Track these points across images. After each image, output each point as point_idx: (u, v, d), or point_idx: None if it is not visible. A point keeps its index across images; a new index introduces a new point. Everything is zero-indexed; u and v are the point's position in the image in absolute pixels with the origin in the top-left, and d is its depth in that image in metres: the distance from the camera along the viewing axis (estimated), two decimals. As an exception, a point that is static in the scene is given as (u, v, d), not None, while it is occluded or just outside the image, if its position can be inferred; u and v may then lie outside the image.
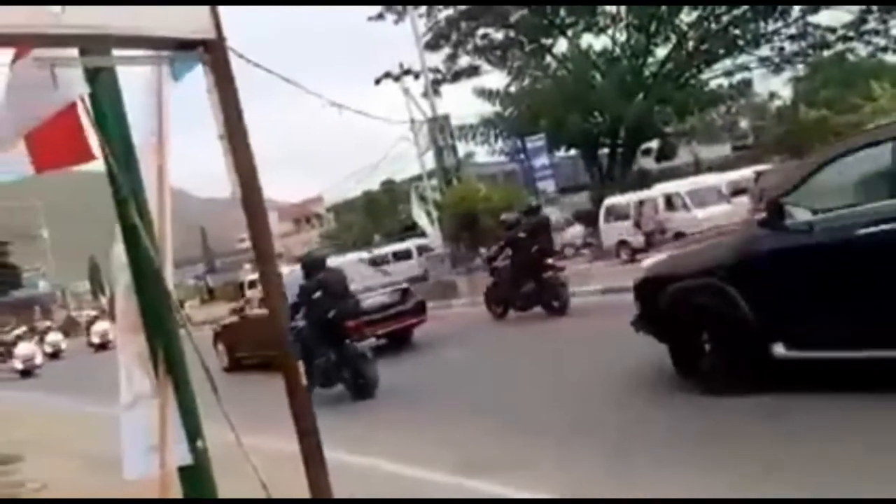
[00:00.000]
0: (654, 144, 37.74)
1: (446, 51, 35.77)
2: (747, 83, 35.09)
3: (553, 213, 25.10)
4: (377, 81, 32.94)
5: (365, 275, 14.86)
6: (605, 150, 35.28)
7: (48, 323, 51.23)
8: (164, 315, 3.59)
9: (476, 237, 22.87)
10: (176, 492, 3.63)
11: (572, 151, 36.70)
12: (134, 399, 3.57)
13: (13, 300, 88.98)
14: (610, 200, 25.90)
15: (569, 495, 4.78)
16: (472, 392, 8.91)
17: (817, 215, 5.63)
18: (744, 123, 41.65)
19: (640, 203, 23.26)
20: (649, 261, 7.70)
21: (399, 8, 32.84)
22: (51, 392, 20.46)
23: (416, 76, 32.83)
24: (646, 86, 33.03)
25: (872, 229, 5.15)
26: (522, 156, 33.87)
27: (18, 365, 28.01)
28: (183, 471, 3.60)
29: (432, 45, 34.50)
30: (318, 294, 10.37)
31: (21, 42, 3.08)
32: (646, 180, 30.43)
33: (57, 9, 2.63)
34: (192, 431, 3.57)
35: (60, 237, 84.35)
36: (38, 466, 8.71)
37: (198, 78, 3.75)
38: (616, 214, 24.69)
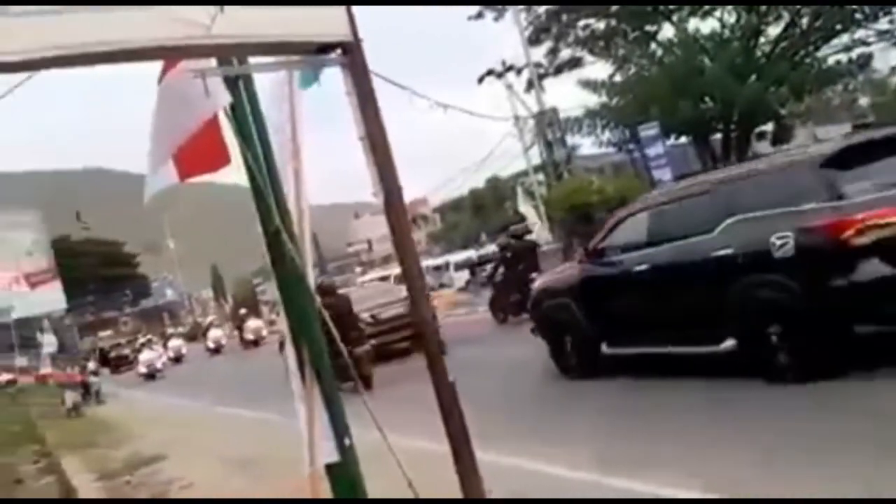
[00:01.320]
0: (769, 127, 36.12)
1: (547, 45, 35.36)
2: (866, 59, 33.07)
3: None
4: (480, 80, 32.92)
5: (385, 291, 17.82)
6: (718, 136, 34.00)
7: (171, 330, 54.56)
8: (309, 317, 3.66)
9: (591, 230, 22.33)
10: (325, 488, 3.70)
11: (682, 139, 35.56)
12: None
13: (142, 309, 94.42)
14: None
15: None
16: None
17: (623, 254, 8.31)
18: (863, 101, 39.33)
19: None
20: (535, 283, 10.74)
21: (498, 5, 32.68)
22: (174, 394, 21.76)
23: (519, 72, 32.61)
24: (758, 67, 31.56)
25: (640, 267, 7.89)
26: (632, 146, 33.05)
27: (143, 369, 31.79)
28: (331, 468, 3.66)
29: (533, 40, 34.15)
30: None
31: (170, 56, 3.20)
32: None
33: (207, 20, 2.70)
34: (340, 429, 3.62)
35: (185, 247, 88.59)
36: (182, 466, 9.13)
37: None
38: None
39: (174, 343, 41.25)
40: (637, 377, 8.14)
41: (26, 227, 33.97)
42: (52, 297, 33.44)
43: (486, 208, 51.78)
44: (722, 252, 6.91)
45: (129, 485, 8.96)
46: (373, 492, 3.79)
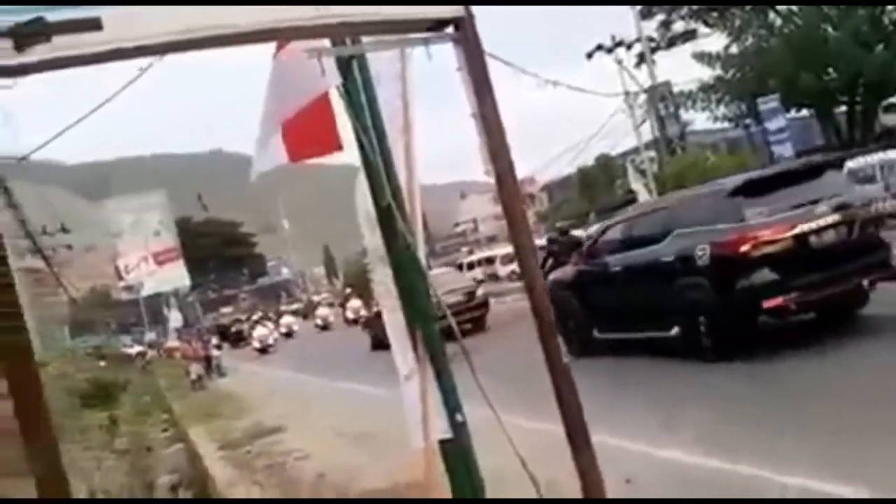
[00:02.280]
0: (896, 99, 33.84)
1: (659, 17, 34.29)
2: None
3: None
4: (589, 55, 32.25)
5: (451, 279, 21.04)
6: (842, 109, 32.14)
7: (284, 307, 57.07)
8: (420, 293, 3.69)
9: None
10: (438, 463, 3.73)
11: (804, 112, 33.84)
12: (410, 373, 3.70)
13: (259, 287, 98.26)
14: (853, 163, 23.56)
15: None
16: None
17: (607, 256, 10.27)
18: None
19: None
20: (550, 277, 11.68)
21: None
22: (286, 368, 22.87)
23: (629, 46, 31.76)
24: (885, 35, 29.57)
25: (616, 268, 9.89)
26: (748, 120, 31.66)
27: (256, 344, 34.17)
28: (444, 444, 3.69)
29: (644, 14, 33.17)
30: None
31: (282, 37, 3.25)
32: (892, 139, 27.38)
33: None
34: (452, 406, 3.64)
35: (299, 228, 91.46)
36: (298, 438, 9.45)
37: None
38: (860, 177, 22.41)
39: (286, 320, 44.15)
40: (618, 356, 10.02)
41: (154, 208, 35.74)
42: (177, 275, 35.03)
43: (594, 187, 50.74)
44: (666, 259, 8.90)
45: (249, 454, 9.35)
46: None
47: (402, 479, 5.97)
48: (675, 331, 8.81)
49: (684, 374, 8.30)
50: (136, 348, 52.31)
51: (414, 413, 3.64)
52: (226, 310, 76.76)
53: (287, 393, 15.66)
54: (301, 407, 12.33)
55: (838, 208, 8.29)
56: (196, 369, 22.02)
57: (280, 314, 49.68)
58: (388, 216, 3.68)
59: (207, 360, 24.22)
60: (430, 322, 3.69)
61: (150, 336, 52.62)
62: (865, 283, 8.36)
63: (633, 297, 9.54)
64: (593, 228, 18.56)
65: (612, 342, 10.25)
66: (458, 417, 3.64)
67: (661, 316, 8.91)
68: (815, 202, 8.28)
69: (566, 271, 11.72)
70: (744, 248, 8.09)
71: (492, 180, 3.12)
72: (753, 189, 8.50)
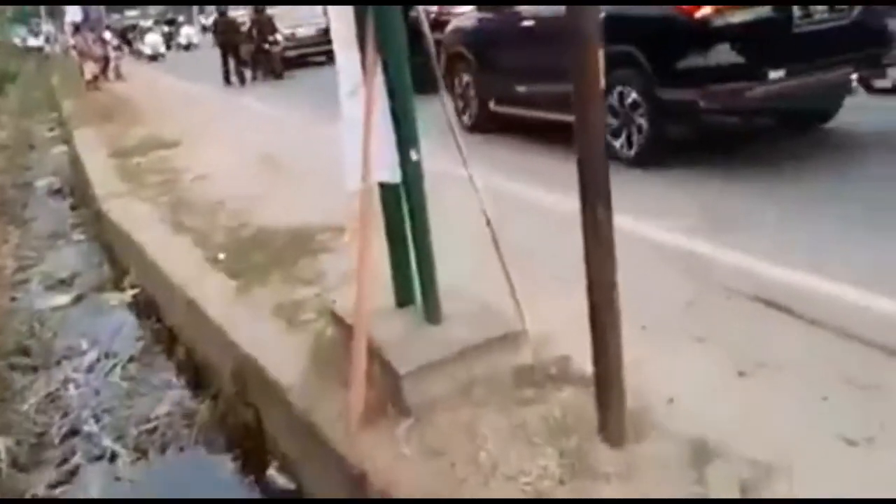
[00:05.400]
0: None
1: None
2: None
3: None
4: None
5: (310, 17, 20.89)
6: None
7: (181, 18, 53.84)
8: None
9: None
10: (376, 209, 2.84)
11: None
12: (353, 88, 2.68)
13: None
14: None
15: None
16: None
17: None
18: None
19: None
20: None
21: None
22: (183, 78, 21.68)
23: None
24: None
25: (526, 23, 7.29)
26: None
27: (147, 51, 32.75)
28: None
29: None
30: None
31: None
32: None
33: None
34: (407, 140, 2.68)
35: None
36: (195, 156, 8.41)
37: None
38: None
39: (186, 30, 41.34)
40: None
41: None
42: (77, -39, 31.27)
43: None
44: None
45: (139, 167, 8.30)
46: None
47: (314, 220, 5.14)
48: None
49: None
50: (32, 41, 48.30)
51: (352, 146, 2.67)
52: (132, 13, 71.04)
53: (187, 105, 14.35)
54: (200, 122, 11.15)
55: None
56: (91, 69, 19.88)
57: (182, 24, 46.54)
58: None
59: (105, 61, 21.97)
60: (392, 18, 2.60)
61: (47, 28, 48.24)
62: None
63: None
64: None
65: None
66: (413, 155, 2.69)
67: None
68: None
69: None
70: None
71: None
72: None
